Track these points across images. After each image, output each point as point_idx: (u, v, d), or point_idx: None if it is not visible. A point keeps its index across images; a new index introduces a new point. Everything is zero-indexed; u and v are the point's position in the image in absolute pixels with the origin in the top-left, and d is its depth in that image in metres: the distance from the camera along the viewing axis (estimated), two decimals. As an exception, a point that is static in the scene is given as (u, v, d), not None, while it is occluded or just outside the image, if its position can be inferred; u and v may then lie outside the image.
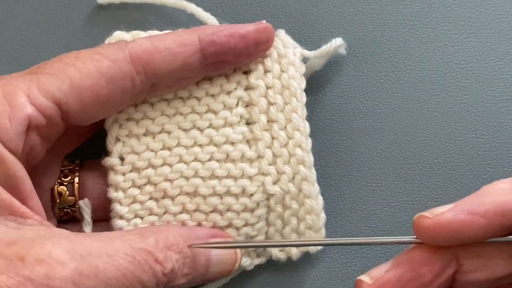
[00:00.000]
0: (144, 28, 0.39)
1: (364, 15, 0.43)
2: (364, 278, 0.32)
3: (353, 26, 0.42)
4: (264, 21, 0.38)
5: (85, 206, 0.37)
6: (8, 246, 0.29)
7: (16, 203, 0.31)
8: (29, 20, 0.43)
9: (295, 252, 0.38)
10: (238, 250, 0.37)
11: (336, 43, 0.40)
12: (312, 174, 0.38)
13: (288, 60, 0.38)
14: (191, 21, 0.41)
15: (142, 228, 0.36)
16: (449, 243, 0.31)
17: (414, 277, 0.32)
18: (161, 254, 0.32)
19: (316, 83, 0.40)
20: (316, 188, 0.38)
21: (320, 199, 0.38)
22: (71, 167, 0.39)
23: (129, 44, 0.35)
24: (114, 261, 0.30)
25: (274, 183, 0.38)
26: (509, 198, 0.30)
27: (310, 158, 0.38)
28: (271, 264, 0.39)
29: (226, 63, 0.37)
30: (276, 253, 0.39)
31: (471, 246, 0.32)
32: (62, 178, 0.38)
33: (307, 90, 0.39)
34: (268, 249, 0.39)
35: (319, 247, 0.39)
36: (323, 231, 0.39)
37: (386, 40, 0.42)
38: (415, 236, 0.32)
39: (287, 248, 0.38)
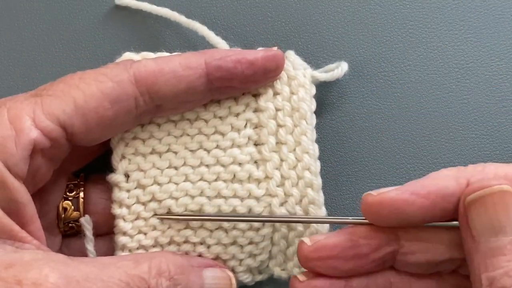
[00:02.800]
0: (157, 34, 0.39)
1: (364, 15, 0.42)
2: (306, 240, 0.34)
3: (354, 26, 0.42)
4: (275, 48, 0.37)
5: (86, 223, 0.37)
6: (6, 268, 0.29)
7: (16, 227, 0.32)
8: (44, 20, 0.43)
9: (297, 272, 0.38)
10: (233, 281, 0.37)
11: (344, 68, 0.40)
12: (320, 197, 0.38)
13: (298, 82, 0.38)
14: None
15: (137, 255, 0.36)
16: (392, 222, 0.33)
17: (351, 246, 0.34)
18: (153, 281, 0.33)
19: (317, 84, 0.40)
20: (323, 211, 0.38)
21: None
22: (76, 182, 0.39)
23: (134, 64, 0.34)
24: (109, 287, 0.31)
25: (281, 204, 0.37)
26: (451, 184, 0.32)
27: (318, 181, 0.38)
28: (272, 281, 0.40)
29: (233, 88, 0.37)
30: (278, 271, 0.39)
31: (412, 229, 0.34)
32: (67, 193, 0.38)
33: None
34: (270, 266, 0.39)
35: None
36: None
37: (386, 40, 0.42)
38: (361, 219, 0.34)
39: (289, 267, 0.39)
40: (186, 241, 0.38)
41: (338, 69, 0.40)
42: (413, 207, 0.32)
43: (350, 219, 0.35)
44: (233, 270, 0.38)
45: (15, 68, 0.43)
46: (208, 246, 0.38)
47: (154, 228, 0.37)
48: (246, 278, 0.38)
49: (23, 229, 0.32)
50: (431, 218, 0.33)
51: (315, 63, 0.41)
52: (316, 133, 0.39)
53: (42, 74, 0.43)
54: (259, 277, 0.39)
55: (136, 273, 0.32)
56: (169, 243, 0.38)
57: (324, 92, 0.42)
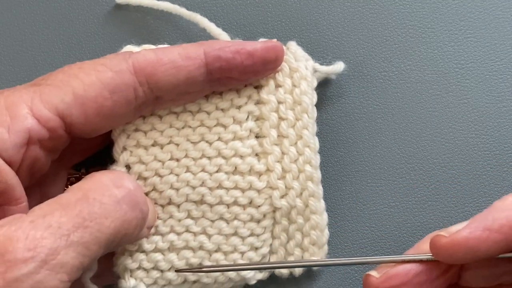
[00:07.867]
0: (158, 32, 0.39)
1: (364, 15, 0.43)
2: (372, 273, 0.34)
3: (353, 25, 0.42)
4: (275, 40, 0.38)
5: None
6: None
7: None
8: (44, 19, 0.43)
9: (298, 269, 0.39)
10: None
11: (342, 66, 0.40)
12: (320, 190, 0.38)
13: (300, 75, 0.38)
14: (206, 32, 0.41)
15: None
16: (465, 261, 0.32)
17: (421, 270, 0.33)
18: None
19: (317, 79, 0.40)
20: (322, 204, 0.38)
21: (325, 215, 0.39)
22: (77, 175, 0.39)
23: (133, 55, 0.35)
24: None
25: (282, 197, 0.38)
26: None
27: (318, 175, 0.38)
28: (274, 279, 0.40)
29: (232, 79, 0.37)
30: (279, 269, 0.39)
31: None
32: (68, 185, 0.38)
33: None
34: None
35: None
36: (325, 247, 0.39)
37: (386, 40, 0.42)
38: (429, 254, 0.33)
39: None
40: (187, 231, 0.38)
41: (338, 64, 0.40)
42: (487, 243, 0.31)
43: (416, 257, 0.34)
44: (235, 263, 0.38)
45: (15, 68, 0.43)
46: (209, 236, 0.38)
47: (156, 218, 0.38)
48: (248, 273, 0.38)
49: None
50: (504, 250, 0.32)
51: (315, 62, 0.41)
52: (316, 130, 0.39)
53: (42, 73, 0.42)
54: (260, 275, 0.39)
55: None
56: (170, 232, 0.38)
57: (324, 91, 0.42)
